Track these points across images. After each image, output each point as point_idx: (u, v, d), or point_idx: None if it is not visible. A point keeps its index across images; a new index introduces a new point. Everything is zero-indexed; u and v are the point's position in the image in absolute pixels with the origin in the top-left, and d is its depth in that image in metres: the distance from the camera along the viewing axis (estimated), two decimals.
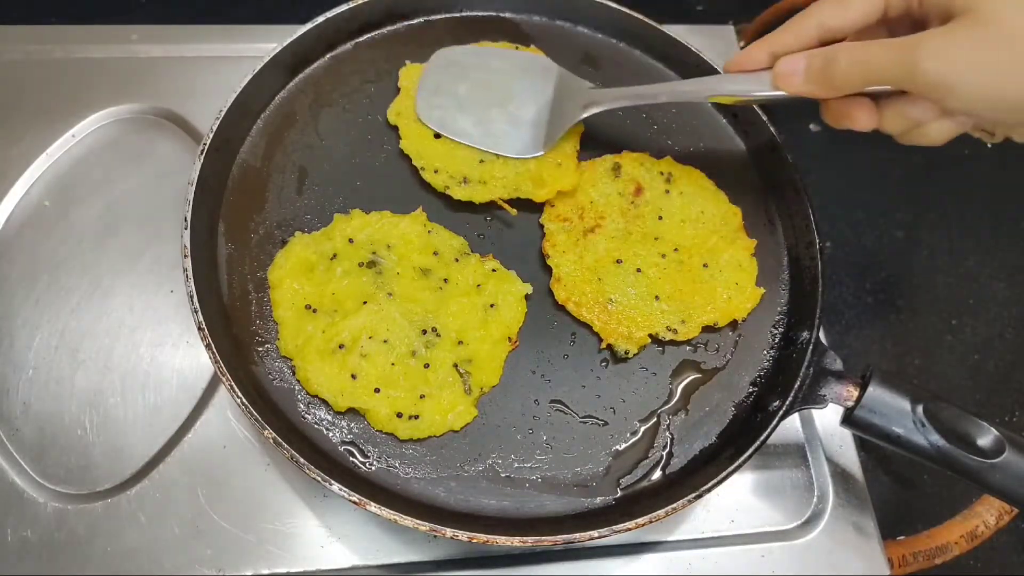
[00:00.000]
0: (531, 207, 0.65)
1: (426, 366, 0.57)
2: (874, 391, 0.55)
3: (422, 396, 0.56)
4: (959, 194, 0.94)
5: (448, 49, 0.70)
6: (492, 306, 0.60)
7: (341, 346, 0.57)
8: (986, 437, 0.52)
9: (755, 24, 0.87)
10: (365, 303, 0.58)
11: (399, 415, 0.55)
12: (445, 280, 0.60)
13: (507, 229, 0.65)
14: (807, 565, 0.62)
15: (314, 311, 0.58)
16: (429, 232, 0.62)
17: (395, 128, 0.67)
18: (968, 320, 0.86)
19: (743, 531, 0.62)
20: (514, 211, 0.65)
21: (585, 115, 0.65)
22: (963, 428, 0.52)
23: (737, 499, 0.63)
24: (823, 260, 0.64)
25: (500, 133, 0.66)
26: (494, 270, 0.61)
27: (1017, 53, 0.45)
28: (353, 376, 0.56)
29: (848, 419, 0.56)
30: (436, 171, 0.65)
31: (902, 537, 0.65)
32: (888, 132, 0.54)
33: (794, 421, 0.66)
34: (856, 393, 0.56)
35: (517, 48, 0.72)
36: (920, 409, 0.53)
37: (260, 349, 0.58)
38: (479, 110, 0.67)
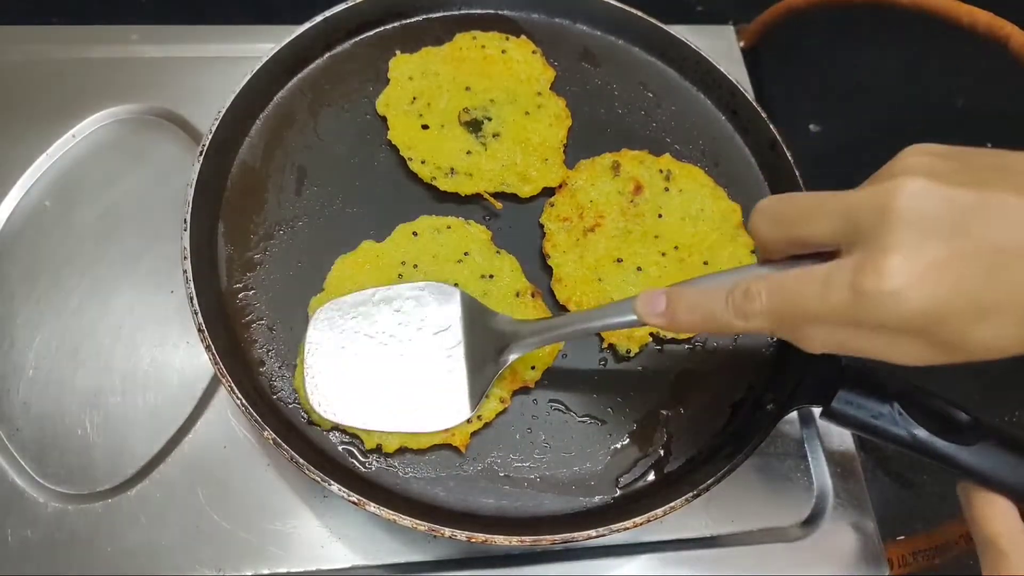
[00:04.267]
0: (528, 206, 0.65)
1: None
2: (851, 383, 0.55)
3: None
4: None
5: (327, 307, 0.57)
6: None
7: None
8: (964, 424, 0.52)
9: (755, 24, 0.86)
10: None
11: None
12: None
13: (503, 227, 0.65)
14: (807, 565, 0.61)
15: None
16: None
17: (384, 119, 0.67)
18: None
19: (743, 531, 0.62)
20: (499, 204, 0.65)
21: (504, 367, 0.55)
22: (940, 416, 0.53)
23: (737, 499, 0.63)
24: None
25: (414, 410, 0.55)
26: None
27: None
28: None
29: (827, 412, 0.56)
30: (423, 162, 0.65)
31: (902, 537, 0.65)
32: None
33: (794, 421, 0.66)
34: (834, 385, 0.56)
35: (504, 53, 0.72)
36: (897, 399, 0.54)
37: (260, 350, 0.58)
38: (381, 386, 0.55)
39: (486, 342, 0.56)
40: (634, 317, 0.49)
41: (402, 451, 0.56)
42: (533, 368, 0.58)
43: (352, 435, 0.56)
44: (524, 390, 0.59)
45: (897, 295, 0.36)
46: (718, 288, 0.44)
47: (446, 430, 0.55)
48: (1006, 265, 0.35)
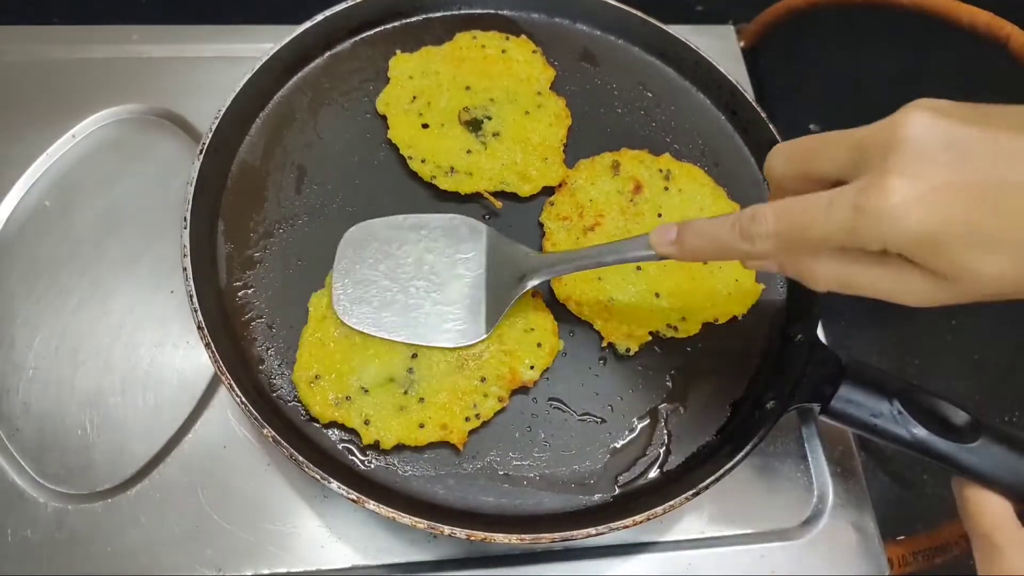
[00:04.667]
0: (528, 205, 0.65)
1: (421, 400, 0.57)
2: (850, 381, 0.55)
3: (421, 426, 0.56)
4: None
5: (360, 226, 0.61)
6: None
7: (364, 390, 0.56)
8: (962, 422, 0.52)
9: (755, 24, 0.86)
10: None
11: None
12: None
13: (503, 226, 0.65)
14: (807, 565, 0.61)
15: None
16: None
17: (384, 118, 0.67)
18: (968, 320, 0.86)
19: (743, 531, 0.62)
20: (499, 204, 0.65)
21: (523, 291, 0.57)
22: (939, 415, 0.53)
23: (737, 499, 0.63)
24: None
25: (432, 324, 0.58)
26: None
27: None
28: (367, 422, 0.56)
29: (826, 410, 0.56)
30: (423, 161, 0.65)
31: (902, 537, 0.65)
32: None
33: (793, 421, 0.66)
34: (833, 383, 0.56)
35: (504, 52, 0.72)
36: (896, 397, 0.54)
37: (260, 348, 0.58)
38: (404, 300, 0.59)
39: (507, 270, 0.59)
40: (648, 251, 0.50)
41: (400, 448, 0.56)
42: (532, 368, 0.59)
43: (350, 431, 0.56)
44: (523, 390, 0.59)
45: (897, 210, 0.36)
46: (726, 216, 0.45)
47: (444, 430, 0.56)
48: (1007, 199, 0.36)
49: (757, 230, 0.42)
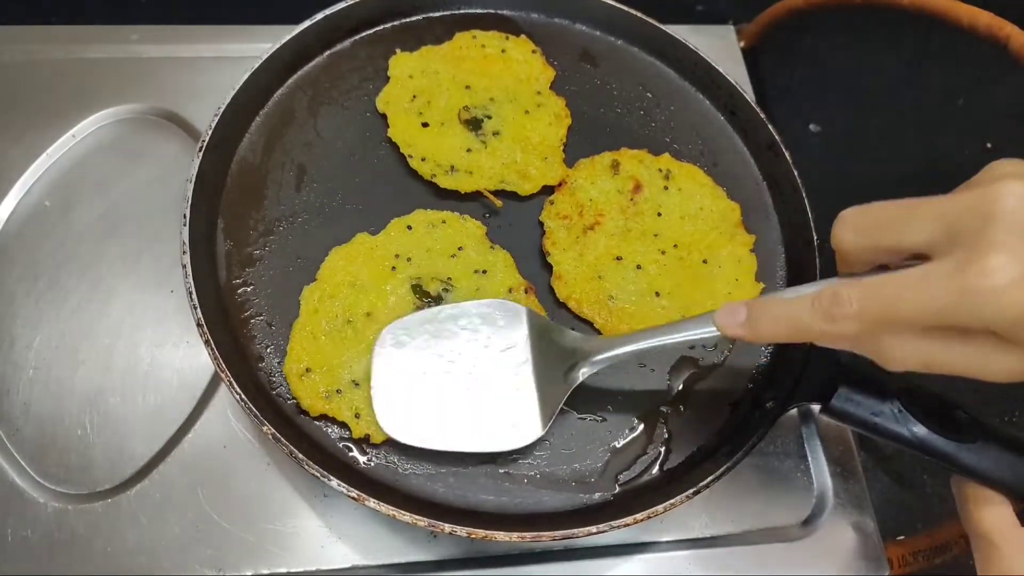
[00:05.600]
0: (528, 204, 0.65)
1: None
2: (851, 380, 0.55)
3: None
4: None
5: (394, 325, 0.57)
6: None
7: (356, 383, 0.56)
8: (962, 422, 0.52)
9: (755, 24, 0.87)
10: None
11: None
12: None
13: (503, 224, 0.65)
14: (807, 565, 0.61)
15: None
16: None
17: (384, 116, 0.68)
18: None
19: (742, 531, 0.62)
20: (499, 202, 0.65)
21: (575, 383, 0.56)
22: (939, 413, 0.53)
23: (736, 499, 0.63)
24: (821, 257, 0.64)
25: (485, 429, 0.54)
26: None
27: None
28: (357, 416, 0.56)
29: (826, 408, 0.56)
30: (423, 159, 0.65)
31: (902, 537, 0.65)
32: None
33: (794, 421, 0.66)
34: (833, 382, 0.56)
35: (504, 52, 0.72)
36: (896, 396, 0.54)
37: (259, 345, 0.58)
38: (451, 403, 0.55)
39: (555, 359, 0.56)
40: (713, 329, 0.49)
41: (399, 445, 0.55)
42: None
43: (342, 424, 0.56)
44: None
45: (1001, 293, 0.35)
46: (801, 296, 0.43)
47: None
48: None
49: (841, 311, 0.40)
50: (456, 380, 0.55)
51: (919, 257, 0.40)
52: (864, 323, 0.40)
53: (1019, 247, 0.35)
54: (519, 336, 0.56)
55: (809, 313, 0.42)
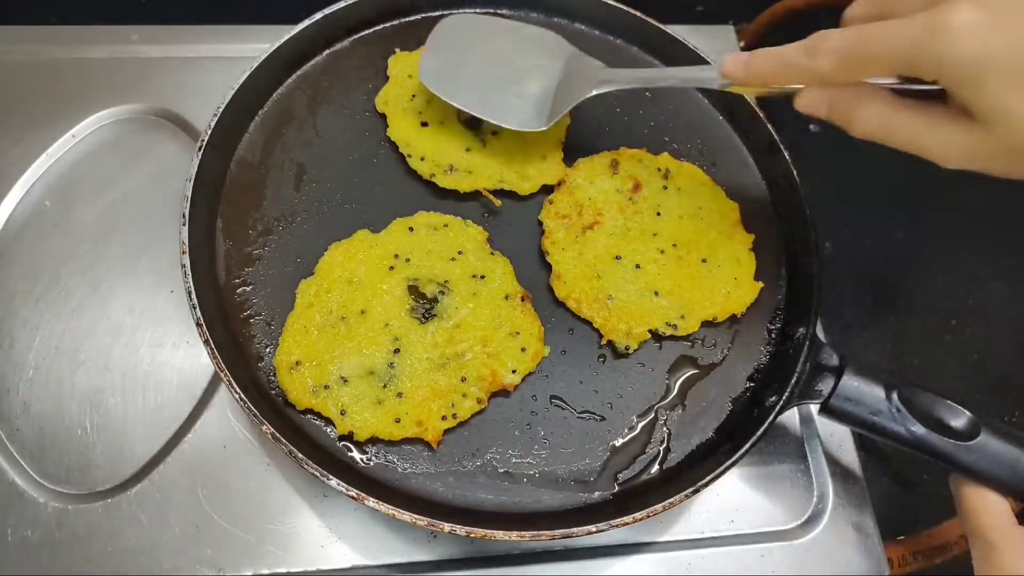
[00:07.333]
0: (527, 204, 0.65)
1: (400, 395, 0.56)
2: (849, 379, 0.55)
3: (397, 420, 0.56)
4: (959, 194, 0.94)
5: (458, 15, 0.70)
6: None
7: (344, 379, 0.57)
8: (961, 420, 0.53)
9: (755, 24, 0.87)
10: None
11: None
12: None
13: (503, 224, 0.65)
14: (807, 565, 0.61)
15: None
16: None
17: (383, 116, 0.68)
18: (968, 320, 0.86)
19: (742, 531, 0.62)
20: (499, 202, 0.65)
21: (596, 92, 0.63)
22: (938, 413, 0.53)
23: (736, 499, 0.63)
24: (820, 256, 0.64)
25: (502, 103, 0.64)
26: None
27: None
28: (343, 412, 0.56)
29: (824, 407, 0.56)
30: (422, 159, 0.65)
31: (902, 537, 0.65)
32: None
33: (793, 420, 0.66)
34: (832, 381, 0.57)
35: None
36: (895, 395, 0.54)
37: (258, 345, 0.58)
38: (484, 79, 0.66)
39: (578, 76, 0.65)
40: (712, 74, 0.54)
41: (400, 444, 0.56)
42: (514, 372, 0.58)
43: (327, 420, 0.56)
44: (504, 393, 0.59)
45: (960, 31, 0.39)
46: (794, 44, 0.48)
47: (420, 427, 0.55)
48: None
49: (821, 45, 0.45)
50: (493, 67, 0.66)
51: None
52: (842, 58, 0.44)
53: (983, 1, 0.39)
54: (558, 58, 0.67)
55: (794, 49, 0.47)
